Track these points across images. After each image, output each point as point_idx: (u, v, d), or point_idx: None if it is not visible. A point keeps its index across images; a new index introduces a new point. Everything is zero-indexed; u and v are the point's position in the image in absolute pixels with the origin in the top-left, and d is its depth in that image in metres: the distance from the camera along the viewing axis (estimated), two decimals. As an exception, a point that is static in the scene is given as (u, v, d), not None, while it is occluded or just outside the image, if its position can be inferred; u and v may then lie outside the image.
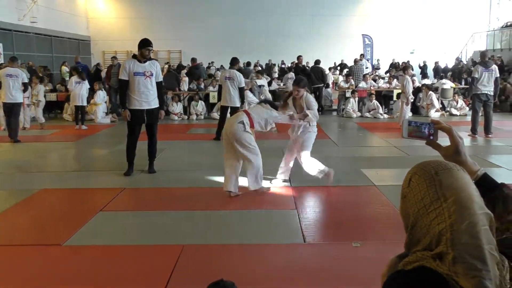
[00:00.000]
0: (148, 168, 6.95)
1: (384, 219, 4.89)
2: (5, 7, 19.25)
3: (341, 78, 19.05)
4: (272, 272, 3.65)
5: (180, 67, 20.96)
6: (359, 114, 13.99)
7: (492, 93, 9.92)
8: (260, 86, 13.59)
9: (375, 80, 16.32)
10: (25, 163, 7.88)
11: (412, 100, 12.03)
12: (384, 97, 14.77)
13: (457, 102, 14.25)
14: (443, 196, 1.12)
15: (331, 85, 18.39)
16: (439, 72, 20.89)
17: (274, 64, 25.33)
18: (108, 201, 5.55)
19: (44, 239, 4.45)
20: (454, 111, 14.03)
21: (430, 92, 13.87)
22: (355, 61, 16.48)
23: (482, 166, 1.46)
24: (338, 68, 22.99)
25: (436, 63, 24.47)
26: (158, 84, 6.75)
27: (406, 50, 28.73)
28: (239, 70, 10.87)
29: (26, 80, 10.58)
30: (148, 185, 6.41)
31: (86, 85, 12.21)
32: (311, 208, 5.36)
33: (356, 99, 14.12)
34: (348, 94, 14.44)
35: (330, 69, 21.92)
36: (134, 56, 6.68)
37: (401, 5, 29.07)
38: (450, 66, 23.61)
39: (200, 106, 13.91)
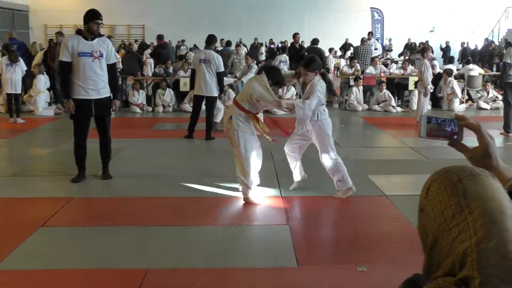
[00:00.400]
0: (102, 172, 6.92)
1: (396, 237, 4.94)
2: None
3: (344, 62, 19.19)
4: (257, 303, 3.67)
5: (143, 46, 20.88)
6: (366, 106, 14.07)
7: None
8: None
9: (386, 65, 16.44)
10: None
11: (431, 91, 12.13)
12: (397, 86, 14.86)
13: (488, 93, 14.40)
14: (468, 207, 1.12)
15: (332, 71, 18.50)
16: (467, 56, 21.06)
17: (261, 44, 25.39)
18: (51, 214, 5.50)
19: (-31, 261, 4.40)
20: (483, 104, 14.19)
21: (450, 78, 13.98)
22: (362, 40, 16.57)
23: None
24: (342, 50, 23.12)
25: (463, 44, 24.67)
26: (110, 67, 6.69)
27: (425, 28, 29.01)
28: (217, 51, 10.87)
29: None
30: (102, 194, 6.38)
31: (20, 67, 12.09)
32: (306, 224, 5.39)
33: (361, 88, 14.19)
34: (352, 82, 14.53)
35: (330, 50, 22.03)
36: (79, 32, 6.60)
37: (418, -28, 29.35)
38: (479, 48, 23.89)
39: (168, 95, 13.88)
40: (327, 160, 6.02)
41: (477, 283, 1.08)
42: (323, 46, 16.63)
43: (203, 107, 9.94)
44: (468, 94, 15.06)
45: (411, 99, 13.98)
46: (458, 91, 13.96)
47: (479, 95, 14.56)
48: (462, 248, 1.11)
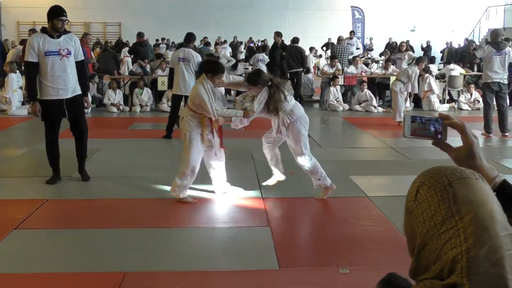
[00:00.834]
0: (79, 173, 6.85)
1: (379, 239, 4.97)
2: None
3: (324, 61, 19.27)
4: (238, 306, 3.67)
5: (120, 44, 20.72)
6: (347, 106, 14.14)
7: (506, 82, 10.14)
8: None
9: (367, 65, 16.55)
10: None
11: (405, 93, 12.13)
12: (379, 86, 14.94)
13: (471, 95, 14.52)
14: (458, 213, 1.13)
15: (312, 70, 18.57)
16: (453, 56, 21.13)
17: (241, 43, 25.40)
18: (26, 216, 5.44)
19: None
20: (464, 105, 14.30)
21: (427, 75, 14.03)
22: (339, 40, 16.69)
23: (497, 172, 1.50)
24: (324, 49, 23.19)
25: (448, 44, 24.79)
26: (79, 64, 6.59)
27: (406, 27, 29.27)
28: (197, 50, 10.85)
29: None
30: (78, 195, 6.32)
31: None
32: (287, 225, 5.40)
33: (339, 87, 14.22)
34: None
35: (311, 49, 22.11)
36: (44, 31, 6.48)
37: (399, -30, 29.60)
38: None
39: (146, 94, 13.81)
40: (303, 161, 5.99)
41: (465, 290, 1.09)
42: (304, 45, 16.70)
43: (182, 106, 9.91)
44: (449, 94, 15.21)
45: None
46: (435, 87, 14.04)
47: (462, 96, 14.68)
48: (452, 254, 1.11)
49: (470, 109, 14.22)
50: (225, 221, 5.50)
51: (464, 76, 15.55)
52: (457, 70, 15.45)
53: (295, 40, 15.30)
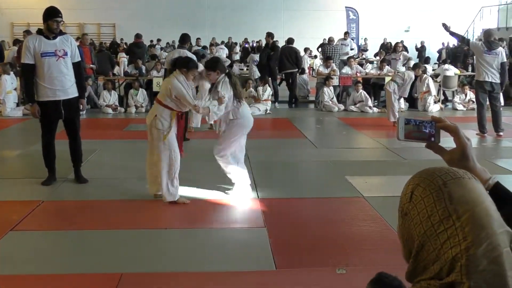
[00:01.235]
0: (74, 175, 6.84)
1: (375, 239, 4.98)
2: None
3: (319, 62, 19.30)
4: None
5: (114, 45, 20.69)
6: (342, 107, 14.15)
7: (498, 82, 10.15)
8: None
9: (361, 65, 16.57)
10: None
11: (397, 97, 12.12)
12: (374, 86, 14.99)
13: (465, 95, 14.55)
14: (455, 212, 1.14)
15: (307, 71, 18.59)
16: (449, 56, 21.13)
17: (236, 43, 25.40)
18: (21, 217, 5.43)
19: None
20: (458, 106, 14.33)
21: (425, 75, 14.06)
22: (329, 40, 16.74)
23: (492, 173, 1.51)
24: (319, 50, 23.20)
25: (445, 44, 24.76)
26: (76, 65, 6.58)
27: (400, 28, 29.34)
28: (193, 51, 10.84)
29: None
30: (73, 197, 6.31)
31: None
32: (284, 226, 5.40)
33: (332, 88, 14.22)
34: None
35: (306, 50, 22.13)
36: (40, 32, 6.46)
37: (393, -29, 29.67)
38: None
39: (141, 95, 13.79)
40: (217, 155, 6.05)
41: (465, 288, 1.10)
42: (299, 45, 16.73)
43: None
44: (444, 94, 15.24)
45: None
46: (433, 89, 14.09)
47: (457, 96, 14.71)
48: (452, 253, 1.12)
49: (464, 109, 14.26)
50: (221, 222, 5.50)
51: (459, 76, 15.58)
52: (451, 70, 15.50)
53: (290, 40, 15.32)
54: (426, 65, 16.14)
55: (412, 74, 11.63)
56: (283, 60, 14.85)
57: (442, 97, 15.03)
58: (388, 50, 21.09)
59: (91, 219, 5.54)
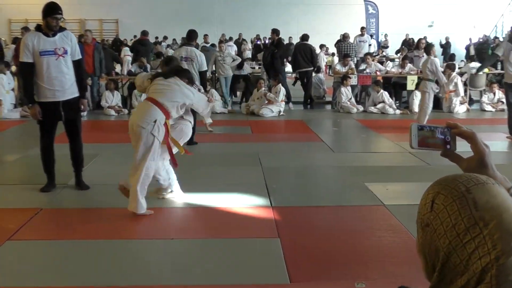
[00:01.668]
0: (75, 181, 6.86)
1: (396, 250, 4.96)
2: None
3: (336, 59, 19.29)
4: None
5: (117, 42, 20.80)
6: (361, 108, 14.10)
7: None
8: None
9: (381, 63, 16.53)
10: None
11: (437, 91, 11.92)
12: (395, 86, 14.92)
13: (494, 94, 14.45)
14: (482, 219, 1.13)
15: (323, 69, 18.58)
16: (475, 54, 20.91)
17: (246, 41, 25.42)
18: (19, 226, 5.45)
19: None
20: (487, 106, 14.24)
21: (454, 73, 13.96)
22: (344, 37, 16.71)
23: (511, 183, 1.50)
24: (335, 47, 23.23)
25: (472, 40, 24.53)
26: (76, 64, 6.60)
27: (423, 23, 29.23)
28: (202, 49, 10.85)
29: None
30: (74, 204, 6.34)
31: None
32: (298, 236, 5.38)
33: (349, 87, 14.17)
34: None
35: (321, 47, 22.11)
36: (39, 29, 6.47)
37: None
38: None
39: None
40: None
41: (494, 300, 1.09)
42: (314, 42, 16.71)
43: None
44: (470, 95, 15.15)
45: (411, 100, 14.01)
46: (461, 89, 13.96)
47: (485, 96, 14.59)
48: (481, 264, 1.12)
49: (493, 110, 14.15)
50: (231, 232, 5.47)
51: (487, 74, 15.46)
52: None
53: (305, 37, 15.28)
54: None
55: (432, 58, 11.24)
56: (298, 58, 14.84)
57: (468, 98, 14.92)
58: (411, 47, 21.03)
59: (93, 228, 5.55)
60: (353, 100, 14.20)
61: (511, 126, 10.18)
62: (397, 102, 14.79)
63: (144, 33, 16.35)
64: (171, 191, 6.21)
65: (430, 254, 1.22)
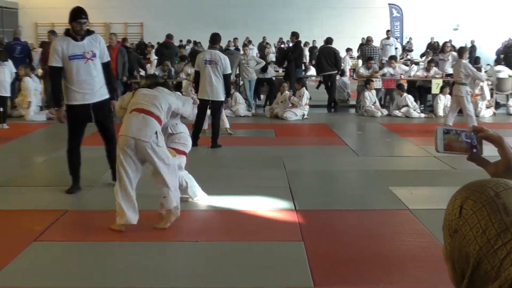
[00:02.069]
0: (111, 177, 6.82)
1: (421, 255, 4.92)
2: None
3: (360, 62, 19.20)
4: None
5: (142, 45, 20.93)
6: (385, 112, 14.00)
7: None
8: None
9: (406, 66, 16.43)
10: None
11: (470, 94, 11.63)
12: (419, 89, 14.81)
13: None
14: None
15: (348, 72, 18.50)
16: (508, 58, 20.59)
17: (270, 44, 25.40)
18: (45, 228, 5.50)
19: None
20: (513, 110, 14.08)
21: None
22: (368, 40, 16.64)
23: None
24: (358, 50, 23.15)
25: (505, 42, 24.19)
26: (105, 66, 6.69)
27: (448, 26, 28.97)
28: (225, 52, 10.87)
29: None
30: (99, 206, 6.34)
31: (8, 68, 12.12)
32: (322, 240, 5.37)
33: (374, 91, 14.07)
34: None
35: (347, 51, 22.02)
36: (67, 33, 6.56)
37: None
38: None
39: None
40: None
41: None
42: (338, 46, 16.65)
43: (208, 112, 9.93)
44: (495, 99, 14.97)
45: (435, 104, 13.89)
46: (487, 92, 13.81)
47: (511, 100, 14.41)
48: None
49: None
50: (254, 235, 5.47)
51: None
52: (505, 71, 15.17)
53: (329, 40, 15.27)
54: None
55: (464, 62, 10.97)
56: (322, 62, 14.82)
57: (494, 102, 14.74)
58: (436, 50, 20.85)
59: (118, 230, 5.59)
60: (377, 103, 14.10)
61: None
62: (422, 105, 14.67)
63: (169, 36, 16.46)
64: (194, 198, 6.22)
65: (459, 261, 1.20)
